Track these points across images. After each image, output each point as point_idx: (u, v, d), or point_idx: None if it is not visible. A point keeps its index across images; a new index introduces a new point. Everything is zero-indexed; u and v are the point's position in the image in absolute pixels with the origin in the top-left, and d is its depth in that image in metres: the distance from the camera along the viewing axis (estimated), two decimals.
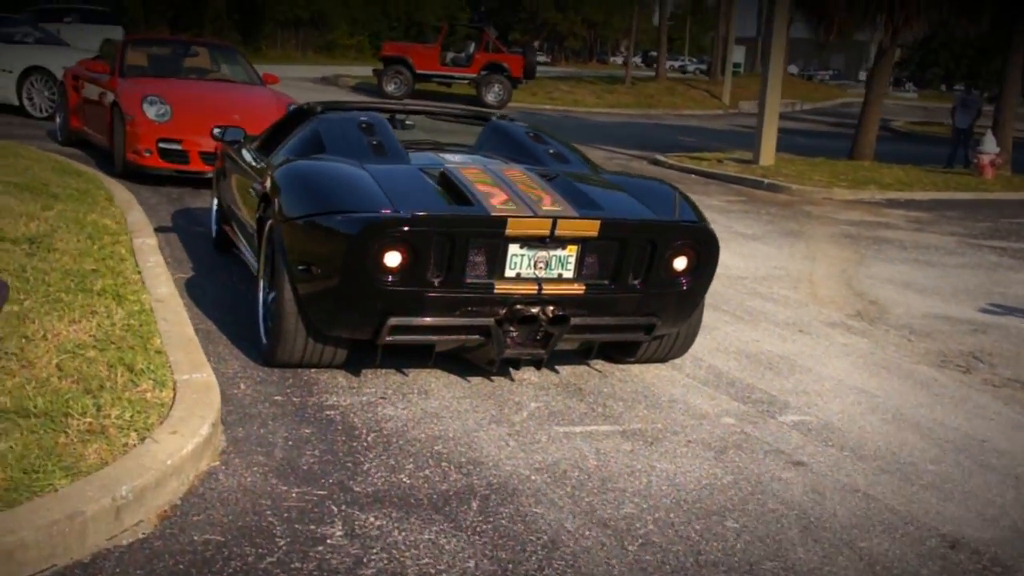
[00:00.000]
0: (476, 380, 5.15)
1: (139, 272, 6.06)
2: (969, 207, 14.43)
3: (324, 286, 4.64)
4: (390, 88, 27.83)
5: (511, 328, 4.77)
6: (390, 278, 4.48)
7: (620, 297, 4.86)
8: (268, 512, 3.57)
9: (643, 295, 4.88)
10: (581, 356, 5.51)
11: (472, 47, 29.05)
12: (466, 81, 28.74)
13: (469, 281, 4.60)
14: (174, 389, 4.20)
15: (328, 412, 4.60)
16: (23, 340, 4.45)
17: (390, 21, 61.85)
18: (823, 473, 4.40)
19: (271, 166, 5.53)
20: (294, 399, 4.73)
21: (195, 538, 3.34)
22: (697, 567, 3.47)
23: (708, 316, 6.32)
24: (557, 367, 5.42)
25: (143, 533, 3.33)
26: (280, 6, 51.03)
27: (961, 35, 20.57)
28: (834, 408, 5.28)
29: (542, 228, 4.57)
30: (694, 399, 5.22)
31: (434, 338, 4.78)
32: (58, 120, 13.06)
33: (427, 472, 4.04)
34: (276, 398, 4.72)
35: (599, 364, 5.56)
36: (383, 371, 5.14)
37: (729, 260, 8.71)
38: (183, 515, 3.49)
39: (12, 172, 8.73)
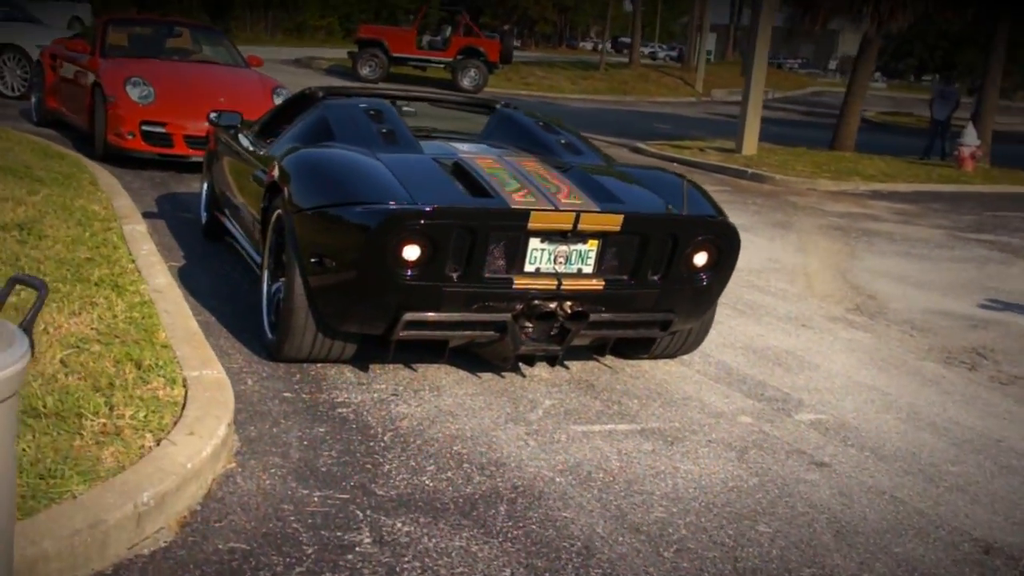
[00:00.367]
0: (487, 376, 5.03)
1: (133, 261, 5.88)
2: (952, 199, 14.47)
3: (338, 279, 4.49)
4: (365, 71, 27.54)
5: (527, 324, 4.66)
6: (408, 272, 4.33)
7: (639, 293, 4.75)
8: (292, 518, 3.44)
9: (662, 291, 4.78)
10: (593, 352, 5.41)
11: (448, 31, 28.84)
12: (442, 65, 28.51)
13: (487, 276, 4.48)
14: (185, 386, 4.06)
15: (340, 410, 4.47)
16: None
17: (360, 3, 61.30)
18: (847, 474, 4.33)
19: (278, 154, 5.36)
20: (304, 396, 4.59)
21: (219, 546, 3.21)
22: (736, 574, 3.38)
23: None
24: (567, 363, 5.31)
25: (164, 541, 3.19)
26: None
27: (945, 27, 20.62)
28: (848, 406, 5.21)
29: (565, 222, 4.44)
30: (708, 396, 5.13)
31: (449, 334, 4.65)
32: (33, 100, 12.74)
33: (449, 474, 3.93)
34: (285, 395, 4.58)
35: (609, 360, 5.46)
36: (392, 367, 5.01)
37: None
38: (204, 522, 3.35)
39: None
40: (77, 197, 7.38)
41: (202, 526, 3.32)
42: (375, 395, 4.69)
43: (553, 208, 4.44)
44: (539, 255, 4.52)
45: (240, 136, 6.50)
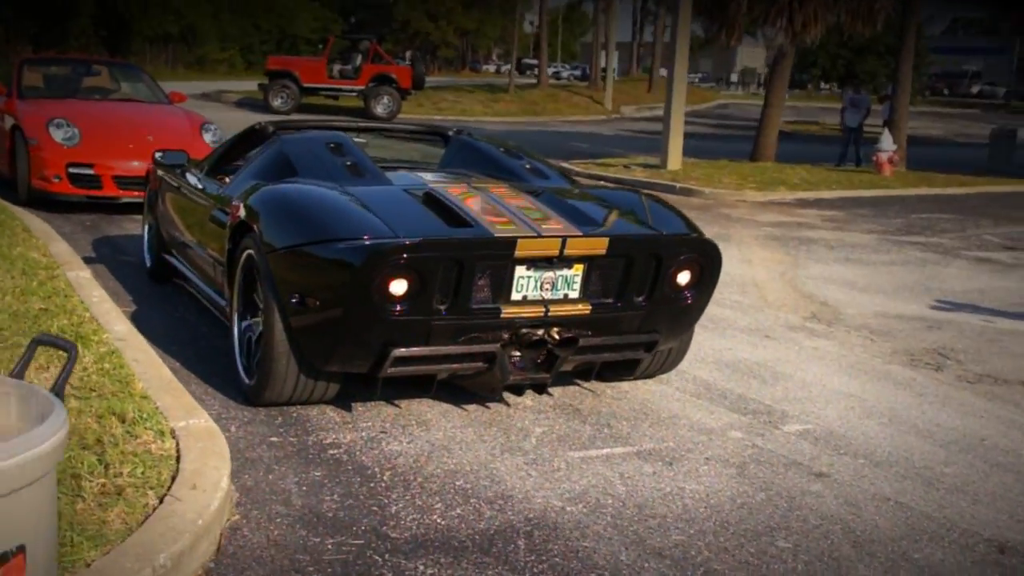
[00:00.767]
0: (472, 408, 4.94)
1: (88, 309, 5.66)
2: (876, 204, 14.80)
3: (322, 318, 4.35)
4: (277, 103, 27.27)
5: (514, 353, 4.59)
6: (396, 307, 4.23)
7: (625, 315, 4.72)
8: (311, 568, 3.31)
9: (647, 312, 4.75)
10: (575, 377, 5.36)
11: (359, 59, 28.67)
12: (354, 93, 28.37)
13: (474, 307, 4.39)
14: (175, 438, 3.90)
15: (332, 451, 4.35)
16: None
17: (261, 35, 60.79)
18: (848, 483, 4.34)
19: (238, 192, 5.21)
20: (291, 439, 4.45)
21: None
22: None
23: None
24: (549, 388, 5.25)
25: None
26: (149, 21, 49.55)
27: (855, 37, 21.17)
28: (831, 415, 5.25)
29: (551, 248, 4.39)
30: (694, 413, 5.12)
31: (437, 367, 4.55)
32: None
33: (459, 511, 3.83)
34: (272, 439, 4.44)
35: (589, 383, 5.42)
36: (374, 404, 4.89)
37: None
38: None
39: None
40: (14, 245, 7.11)
41: None
42: (363, 434, 4.57)
43: (536, 235, 4.39)
44: (525, 283, 4.45)
45: (188, 175, 6.31)
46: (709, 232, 11.26)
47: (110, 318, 5.57)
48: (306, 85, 27.82)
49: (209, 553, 3.33)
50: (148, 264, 7.25)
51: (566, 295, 4.55)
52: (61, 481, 3.36)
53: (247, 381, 4.82)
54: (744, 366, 6.04)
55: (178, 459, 3.72)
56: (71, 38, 44.37)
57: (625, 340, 4.81)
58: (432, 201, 4.67)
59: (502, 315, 4.43)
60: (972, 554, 3.74)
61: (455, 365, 4.55)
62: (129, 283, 7.14)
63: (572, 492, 4.07)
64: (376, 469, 4.18)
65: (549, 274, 4.48)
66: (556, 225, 4.51)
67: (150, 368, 4.74)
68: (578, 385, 5.39)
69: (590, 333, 4.66)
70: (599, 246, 4.49)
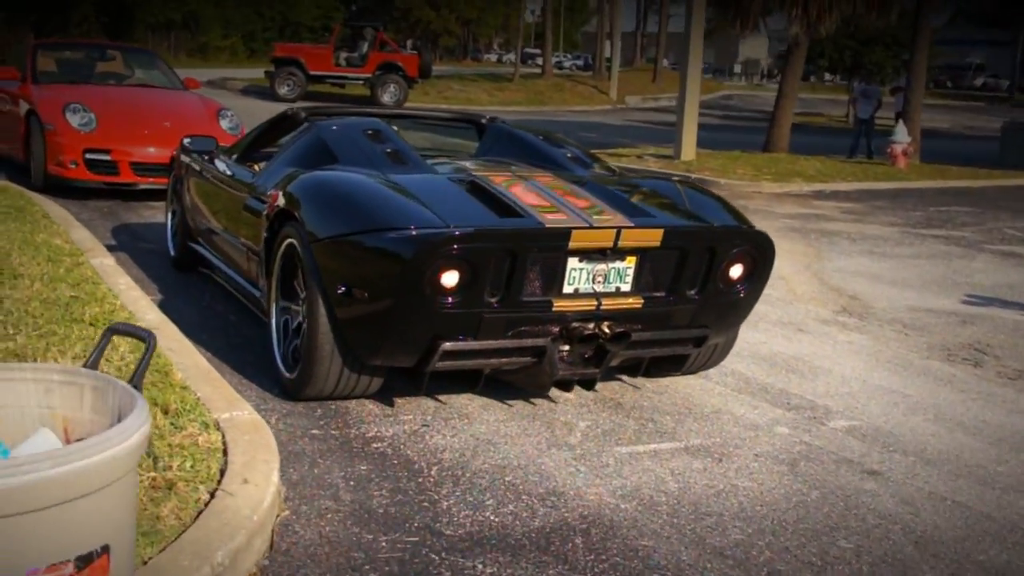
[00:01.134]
0: (513, 401, 4.85)
1: (116, 297, 5.57)
2: (893, 196, 14.70)
3: (370, 310, 4.24)
4: (283, 90, 27.15)
5: (561, 348, 4.47)
6: (448, 299, 4.11)
7: (677, 309, 4.60)
8: (367, 567, 3.22)
9: (699, 306, 4.63)
10: (623, 373, 5.25)
11: (365, 47, 28.52)
12: (360, 82, 28.24)
13: (526, 299, 4.27)
14: (220, 430, 3.81)
15: (376, 445, 4.26)
16: None
17: (264, 22, 60.60)
18: (901, 481, 4.25)
19: (276, 179, 5.10)
20: (333, 432, 4.37)
21: None
22: None
23: None
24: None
25: None
26: (151, 8, 49.36)
27: (869, 27, 21.07)
28: (875, 411, 5.16)
29: (606, 239, 4.27)
30: (737, 409, 5.03)
31: (486, 362, 4.43)
32: None
33: (511, 507, 3.74)
34: (314, 432, 4.35)
35: (626, 376, 5.32)
36: (413, 397, 4.80)
37: None
38: None
39: None
40: (36, 231, 7.01)
41: None
42: (406, 427, 4.48)
43: (588, 225, 4.28)
44: (578, 275, 4.33)
45: (217, 162, 6.20)
46: None
47: (140, 306, 5.48)
48: (312, 73, 27.69)
49: (263, 550, 3.24)
50: (172, 253, 7.15)
51: (618, 288, 4.43)
52: None
53: (287, 375, 4.70)
54: (781, 360, 5.95)
55: (225, 452, 3.63)
56: (72, 26, 44.16)
57: (675, 335, 4.70)
58: (478, 190, 4.56)
59: (553, 308, 4.32)
60: None
61: (504, 360, 4.44)
62: (153, 271, 7.04)
63: (624, 489, 3.98)
64: (423, 464, 4.10)
65: (602, 266, 4.36)
66: (607, 216, 4.40)
67: (186, 357, 4.65)
68: (618, 379, 5.29)
69: (640, 327, 4.55)
70: (654, 238, 4.38)
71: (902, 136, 17.40)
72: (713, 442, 4.56)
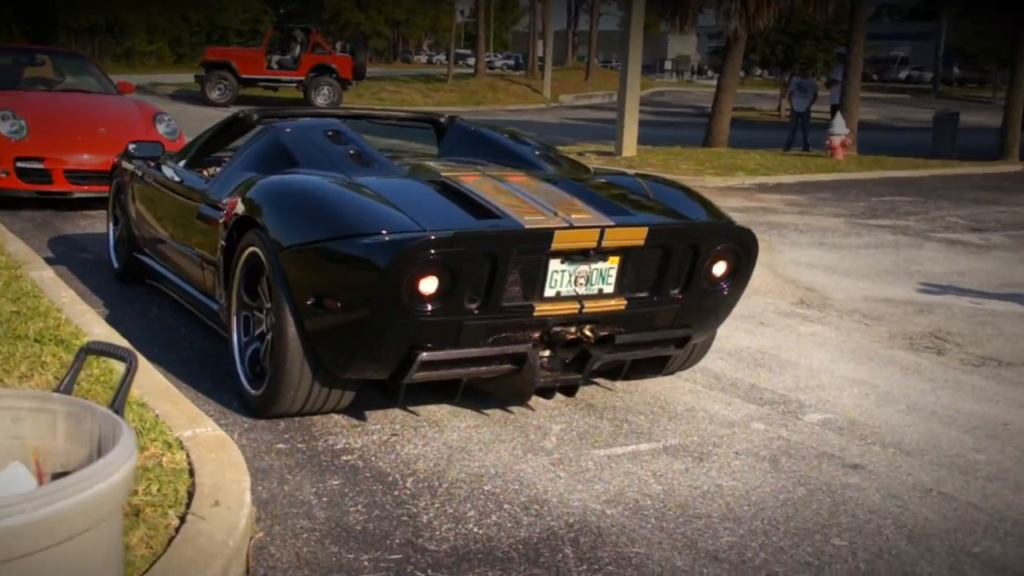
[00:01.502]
0: (483, 406, 4.69)
1: (60, 311, 5.32)
2: (835, 188, 14.79)
3: (342, 321, 4.01)
4: (214, 95, 26.67)
5: (541, 354, 4.28)
6: (427, 307, 3.89)
7: (660, 310, 4.43)
8: None
9: (682, 306, 4.48)
10: (603, 377, 5.07)
11: (298, 49, 28.14)
12: (294, 84, 27.84)
13: (506, 304, 4.07)
14: (184, 449, 3.61)
15: (345, 457, 4.08)
16: None
17: (191, 27, 59.54)
18: (885, 474, 4.18)
19: (232, 185, 4.87)
20: (299, 445, 4.18)
21: None
22: None
23: None
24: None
25: None
26: (73, 13, 48.18)
27: (808, 22, 21.29)
28: (847, 403, 5.10)
29: (589, 240, 4.08)
30: (710, 406, 4.93)
31: (464, 371, 4.21)
32: None
33: (494, 518, 3.60)
34: (279, 446, 4.16)
35: (605, 380, 5.16)
36: (379, 405, 4.62)
37: None
38: None
39: None
40: None
41: None
42: (374, 438, 4.31)
43: (569, 225, 4.09)
44: (559, 277, 4.14)
45: (164, 168, 5.94)
46: None
47: (86, 320, 5.23)
48: (244, 76, 27.24)
49: (240, 575, 3.06)
50: (116, 265, 6.84)
51: (600, 290, 4.24)
52: None
53: (252, 391, 4.46)
54: (747, 355, 5.88)
55: (192, 472, 3.43)
56: None
57: (658, 336, 4.52)
58: (450, 191, 4.35)
59: (535, 313, 4.12)
60: None
61: (483, 368, 4.22)
62: (95, 284, 6.77)
63: (608, 493, 3.86)
64: (396, 475, 3.93)
65: (584, 268, 4.17)
66: (587, 215, 4.22)
67: (141, 373, 4.37)
68: (591, 381, 5.16)
69: (623, 330, 4.38)
70: (637, 236, 4.20)
71: (840, 128, 17.54)
72: (691, 441, 4.46)
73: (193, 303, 5.38)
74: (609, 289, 4.27)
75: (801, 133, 20.55)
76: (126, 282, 6.70)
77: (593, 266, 4.19)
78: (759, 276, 8.25)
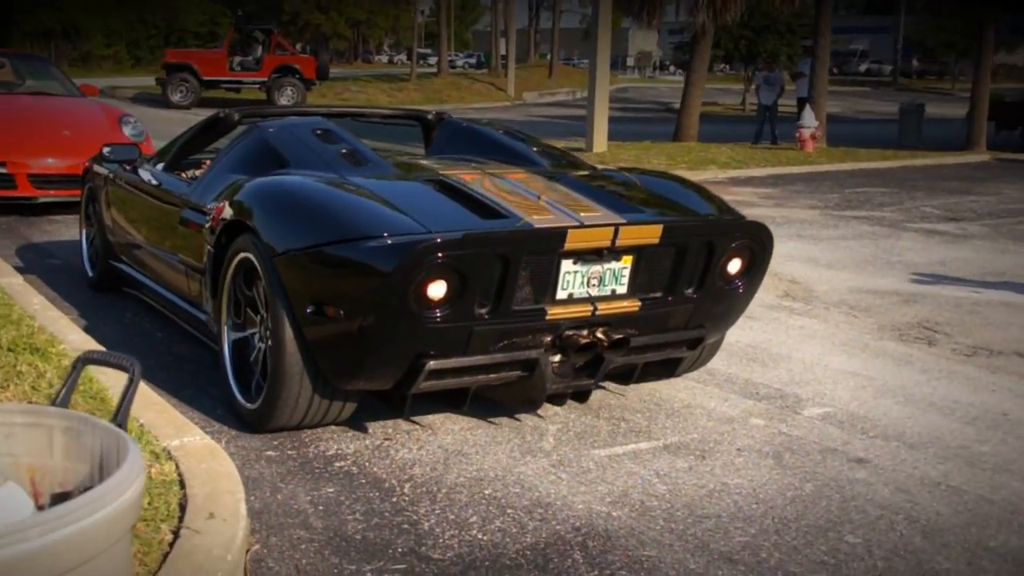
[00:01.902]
0: (477, 407, 4.54)
1: (33, 319, 5.14)
2: (808, 180, 14.77)
3: (345, 329, 3.79)
4: (176, 97, 26.33)
5: (551, 359, 4.10)
6: (437, 313, 3.70)
7: (674, 310, 4.25)
8: None
9: (696, 306, 4.30)
10: (614, 381, 4.81)
11: (260, 50, 27.84)
12: (257, 85, 27.54)
13: (517, 308, 3.88)
14: (173, 459, 3.46)
15: (339, 464, 3.95)
16: None
17: (148, 29, 58.88)
18: (891, 468, 4.10)
19: (219, 188, 4.67)
20: (290, 452, 4.04)
21: None
22: None
23: None
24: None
25: None
26: (29, 16, 47.51)
27: (773, 16, 21.29)
28: (844, 396, 5.02)
29: (603, 239, 3.88)
30: (707, 402, 4.84)
31: (472, 379, 4.01)
32: None
33: (498, 523, 3.47)
34: (269, 454, 4.02)
35: (614, 384, 4.95)
36: (370, 409, 4.46)
37: None
38: None
39: None
40: None
41: None
42: (367, 443, 4.17)
43: (582, 224, 3.90)
44: (572, 279, 3.95)
45: (141, 172, 5.70)
46: None
47: (60, 327, 5.06)
48: (206, 78, 26.91)
49: None
50: (91, 274, 6.60)
51: (614, 291, 4.06)
52: None
53: (247, 405, 4.23)
54: (738, 349, 5.79)
55: (182, 484, 3.29)
56: None
57: (671, 338, 4.34)
58: (451, 190, 4.16)
59: (547, 316, 3.93)
60: None
61: (492, 376, 4.02)
62: (65, 290, 6.58)
63: (612, 495, 3.74)
64: (393, 481, 3.80)
65: (597, 268, 3.98)
66: (596, 213, 4.03)
67: (122, 381, 4.25)
68: None
69: (636, 332, 4.20)
70: (652, 234, 4.01)
71: (809, 120, 17.55)
72: (691, 439, 4.36)
73: (177, 313, 5.15)
74: (622, 290, 4.08)
75: (769, 126, 20.59)
76: (102, 291, 6.48)
77: (606, 266, 4.00)
78: None
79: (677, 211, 4.47)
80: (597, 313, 4.03)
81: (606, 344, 4.09)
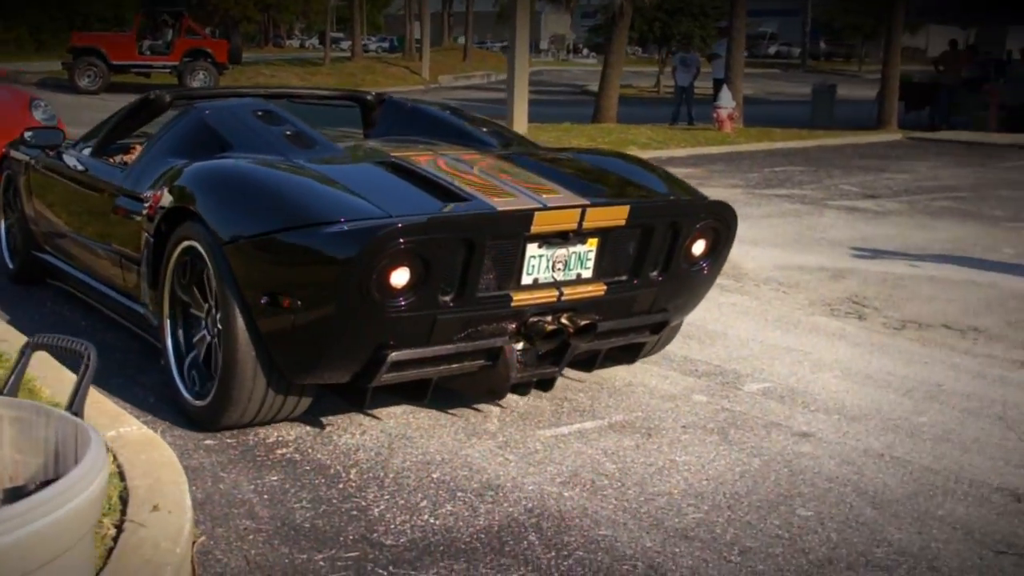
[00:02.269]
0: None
1: None
2: (728, 160, 14.91)
3: (303, 320, 3.61)
4: (84, 82, 25.51)
5: (517, 347, 3.98)
6: (400, 301, 3.54)
7: (639, 294, 4.18)
8: None
9: (660, 288, 4.23)
10: (576, 368, 4.74)
11: (170, 34, 27.15)
12: (168, 70, 26.85)
13: (482, 295, 3.75)
14: (110, 451, 3.31)
15: (281, 451, 3.84)
16: None
17: (49, 12, 57.21)
18: (835, 441, 4.13)
19: (157, 173, 4.43)
20: (229, 440, 3.91)
21: None
22: (820, 569, 3.07)
23: None
24: None
25: None
26: None
27: (673, 0, 21.40)
28: (782, 371, 5.05)
29: (569, 221, 3.78)
30: (648, 380, 4.82)
31: (436, 370, 3.87)
32: None
33: (449, 507, 3.40)
34: (208, 442, 3.89)
35: (576, 371, 4.86)
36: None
37: None
38: None
39: None
40: None
41: None
42: (308, 429, 4.07)
43: (545, 207, 3.77)
44: (537, 263, 3.84)
45: (66, 157, 5.41)
46: None
47: None
48: (115, 63, 26.13)
49: None
50: (11, 266, 6.28)
51: (579, 275, 3.96)
52: None
53: (196, 402, 4.01)
54: None
55: (122, 476, 3.15)
56: None
57: (636, 322, 4.25)
58: (406, 173, 3.99)
59: (512, 303, 3.81)
60: (992, 505, 3.58)
61: (455, 365, 3.90)
62: None
63: (562, 475, 3.70)
64: (338, 467, 3.70)
65: (562, 251, 3.87)
66: (559, 194, 3.91)
67: (49, 371, 4.08)
68: None
69: (601, 317, 4.09)
70: (619, 216, 3.91)
71: (727, 101, 17.70)
72: (636, 417, 4.33)
73: (110, 306, 4.90)
74: (588, 273, 3.98)
75: (686, 107, 20.74)
76: (23, 283, 6.21)
77: (571, 249, 3.90)
78: None
79: (637, 191, 4.38)
80: (563, 298, 3.92)
81: (572, 330, 3.96)
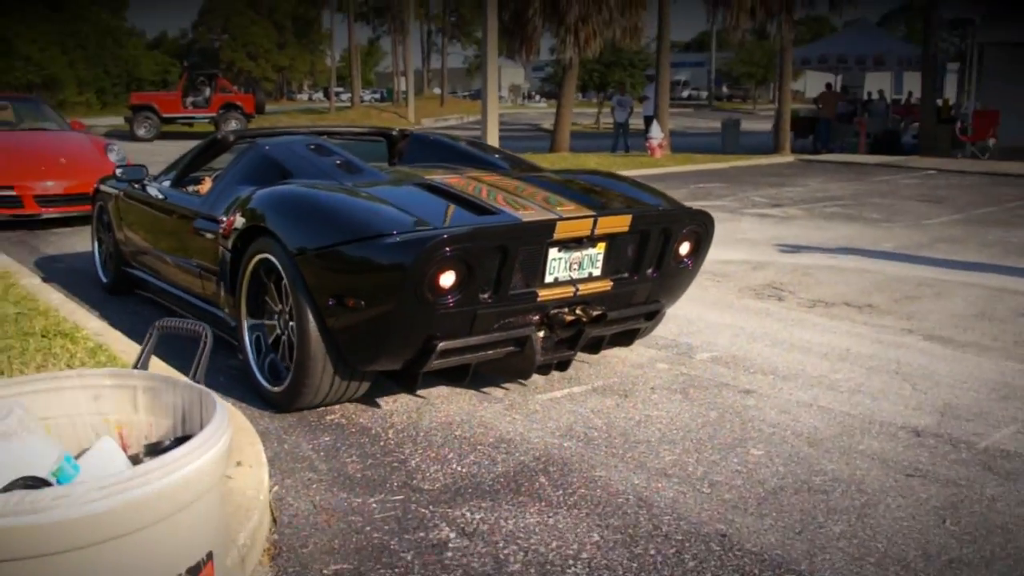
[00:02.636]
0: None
1: (57, 311, 4.79)
2: (660, 179, 14.83)
3: (364, 318, 3.47)
4: (141, 132, 25.20)
5: (540, 334, 3.89)
6: (447, 299, 3.45)
7: (638, 288, 4.11)
8: (368, 528, 2.77)
9: (655, 282, 4.16)
10: (587, 351, 4.49)
11: (208, 91, 26.85)
12: (207, 120, 26.56)
13: (513, 292, 3.70)
14: None
15: (330, 417, 3.76)
16: None
17: (112, 79, 56.46)
18: (773, 396, 4.10)
19: (230, 200, 4.28)
20: (286, 412, 3.83)
21: (324, 572, 2.50)
22: (774, 495, 3.04)
23: None
24: None
25: None
26: (13, 72, 45.07)
27: (607, 54, 21.51)
28: (725, 343, 5.02)
29: (584, 229, 3.72)
30: (620, 352, 4.76)
31: (475, 356, 3.77)
32: None
33: (472, 458, 3.34)
34: (270, 412, 3.80)
35: (584, 354, 4.79)
36: None
37: None
38: (291, 550, 2.62)
39: None
40: None
41: (292, 555, 2.59)
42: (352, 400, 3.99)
43: (561, 217, 3.68)
44: (557, 264, 3.76)
45: (150, 189, 5.25)
46: None
47: (80, 316, 4.73)
48: (165, 116, 25.83)
49: (268, 525, 2.73)
50: (104, 280, 6.09)
51: (590, 273, 3.89)
52: None
53: (272, 388, 3.88)
54: None
55: None
56: None
57: (635, 311, 4.18)
58: (441, 193, 3.89)
59: (538, 298, 3.74)
60: (900, 440, 3.56)
61: (490, 352, 3.80)
62: (76, 289, 6.15)
63: (560, 429, 3.65)
64: (378, 429, 3.63)
65: (577, 254, 3.81)
66: (569, 207, 3.84)
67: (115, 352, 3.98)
68: None
69: (607, 308, 4.01)
70: (623, 224, 3.85)
71: (657, 133, 17.69)
72: (613, 382, 4.29)
73: (191, 310, 4.72)
74: (597, 272, 3.91)
75: (623, 139, 20.76)
76: (115, 294, 6.03)
77: (584, 252, 3.83)
78: None
79: (633, 203, 4.30)
80: (578, 293, 3.85)
81: (586, 320, 3.89)
